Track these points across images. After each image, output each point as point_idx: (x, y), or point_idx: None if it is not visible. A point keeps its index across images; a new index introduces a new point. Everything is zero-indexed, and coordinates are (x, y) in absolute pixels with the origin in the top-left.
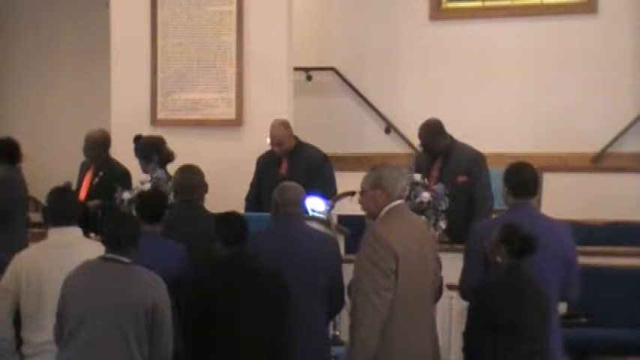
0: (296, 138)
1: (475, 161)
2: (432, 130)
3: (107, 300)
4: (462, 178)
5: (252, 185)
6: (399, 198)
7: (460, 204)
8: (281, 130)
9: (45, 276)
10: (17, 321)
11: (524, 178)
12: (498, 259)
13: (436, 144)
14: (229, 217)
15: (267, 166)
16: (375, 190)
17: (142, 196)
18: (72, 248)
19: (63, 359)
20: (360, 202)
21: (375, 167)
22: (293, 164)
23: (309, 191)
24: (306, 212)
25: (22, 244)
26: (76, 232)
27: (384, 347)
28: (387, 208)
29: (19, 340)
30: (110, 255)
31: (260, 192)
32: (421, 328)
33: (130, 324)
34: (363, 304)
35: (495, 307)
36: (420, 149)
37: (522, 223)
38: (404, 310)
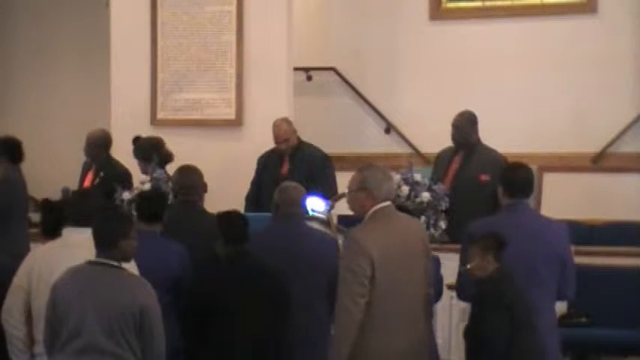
0: (298, 137)
1: (499, 166)
2: (469, 118)
3: (96, 306)
4: (484, 177)
5: (253, 184)
6: (385, 200)
7: (477, 202)
8: (284, 126)
9: (56, 275)
10: (30, 320)
11: (519, 178)
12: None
13: (468, 132)
14: (231, 216)
15: (267, 165)
16: (359, 192)
17: (141, 196)
18: (85, 249)
19: None
20: (347, 202)
21: (362, 169)
22: (294, 164)
23: (310, 191)
24: (306, 212)
25: (23, 245)
26: (90, 233)
27: (360, 352)
28: (372, 210)
29: (31, 339)
30: (97, 259)
31: (260, 191)
32: (406, 332)
33: (120, 328)
34: (339, 309)
35: (512, 295)
36: (450, 140)
37: (518, 222)
38: (384, 314)
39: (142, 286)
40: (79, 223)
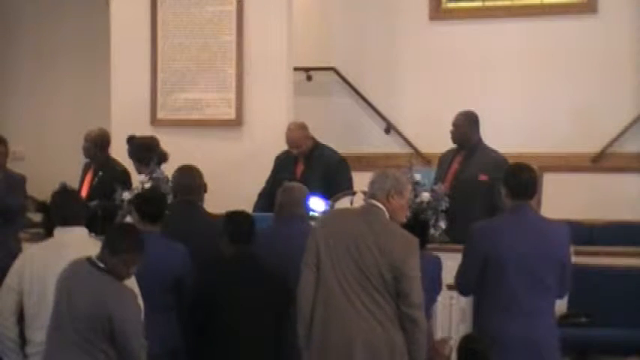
0: (314, 139)
1: (500, 167)
2: (470, 118)
3: (71, 303)
4: (483, 177)
5: (268, 182)
6: (374, 198)
7: (474, 202)
8: (297, 132)
9: (49, 275)
10: (21, 320)
11: (522, 179)
12: None
13: (468, 132)
14: (237, 216)
15: (283, 165)
16: None
17: (141, 196)
18: (76, 248)
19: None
20: None
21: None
22: (309, 166)
23: (324, 194)
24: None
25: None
26: (81, 231)
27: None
28: None
29: (23, 339)
30: (94, 258)
31: (274, 189)
32: (347, 320)
33: (87, 329)
34: None
35: None
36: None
37: (520, 224)
38: (324, 294)
39: (121, 296)
40: (67, 222)
